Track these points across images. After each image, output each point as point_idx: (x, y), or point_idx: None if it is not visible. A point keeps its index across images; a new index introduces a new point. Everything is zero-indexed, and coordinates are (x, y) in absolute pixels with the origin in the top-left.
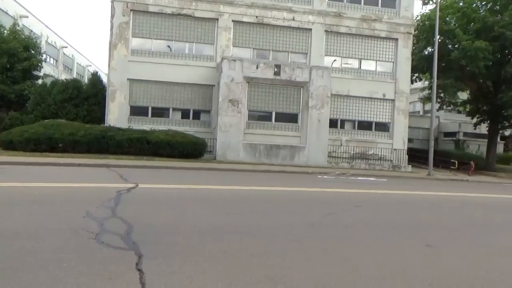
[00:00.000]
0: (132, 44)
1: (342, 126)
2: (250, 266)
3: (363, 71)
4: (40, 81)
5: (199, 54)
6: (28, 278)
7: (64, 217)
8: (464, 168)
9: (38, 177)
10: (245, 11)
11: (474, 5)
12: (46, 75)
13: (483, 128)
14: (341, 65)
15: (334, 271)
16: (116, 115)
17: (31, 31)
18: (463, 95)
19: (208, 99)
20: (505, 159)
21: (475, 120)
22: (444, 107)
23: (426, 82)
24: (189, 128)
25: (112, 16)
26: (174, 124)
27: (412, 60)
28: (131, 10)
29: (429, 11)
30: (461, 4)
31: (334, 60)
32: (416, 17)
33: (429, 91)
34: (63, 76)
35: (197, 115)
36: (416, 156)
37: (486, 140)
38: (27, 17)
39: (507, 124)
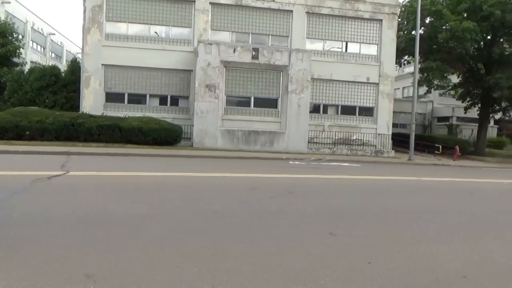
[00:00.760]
0: (106, 28)
1: (324, 111)
2: (71, 261)
3: (346, 54)
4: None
5: (176, 38)
6: None
7: None
8: (451, 153)
9: None
10: None
11: None
12: (33, 63)
13: (474, 112)
14: (323, 48)
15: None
16: (91, 102)
17: (14, 17)
18: (454, 78)
19: (186, 84)
20: (499, 144)
21: (464, 103)
22: (432, 90)
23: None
24: (167, 115)
25: None
26: (151, 111)
27: (401, 42)
28: None
29: None
30: None
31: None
32: None
33: (421, 75)
34: (51, 63)
35: (175, 101)
36: (406, 142)
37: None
38: (9, 2)
39: (497, 107)
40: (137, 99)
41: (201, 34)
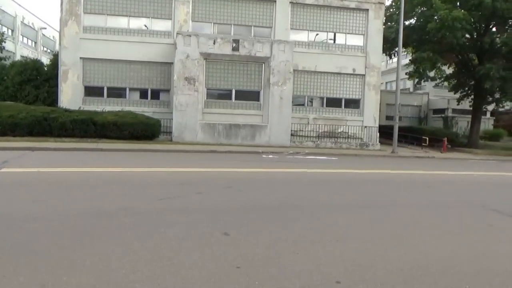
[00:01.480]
0: (84, 20)
1: (309, 104)
2: None
3: (331, 45)
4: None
5: (156, 30)
6: None
7: None
8: (440, 145)
9: None
10: None
11: None
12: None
13: (467, 104)
14: (308, 39)
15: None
16: (69, 96)
17: (3, 11)
18: (448, 70)
19: (167, 77)
20: (495, 136)
21: (458, 95)
22: (426, 82)
23: (409, 56)
24: (147, 109)
25: None
26: (131, 105)
27: (391, 33)
28: None
29: None
30: None
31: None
32: None
33: (415, 66)
34: (44, 59)
35: (156, 94)
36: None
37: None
38: None
39: (490, 98)
40: (117, 92)
41: (182, 26)
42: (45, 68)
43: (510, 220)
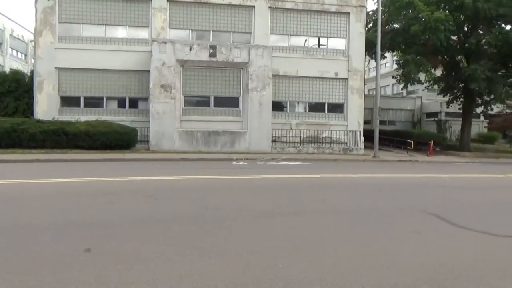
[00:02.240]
0: (59, 30)
1: (292, 109)
2: None
3: (312, 49)
4: None
5: (134, 38)
6: None
7: None
8: (427, 148)
9: None
10: None
11: None
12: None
13: (456, 107)
14: (288, 43)
15: None
16: (45, 107)
17: None
18: (438, 72)
19: (145, 86)
20: (490, 138)
21: (447, 98)
22: (409, 85)
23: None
24: (126, 118)
25: (36, 0)
26: (109, 114)
27: (376, 36)
28: None
29: None
30: None
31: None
32: None
33: (403, 70)
34: None
35: (134, 103)
36: (388, 140)
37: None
38: None
39: (479, 101)
40: (94, 102)
41: (159, 33)
42: (26, 80)
43: (444, 226)
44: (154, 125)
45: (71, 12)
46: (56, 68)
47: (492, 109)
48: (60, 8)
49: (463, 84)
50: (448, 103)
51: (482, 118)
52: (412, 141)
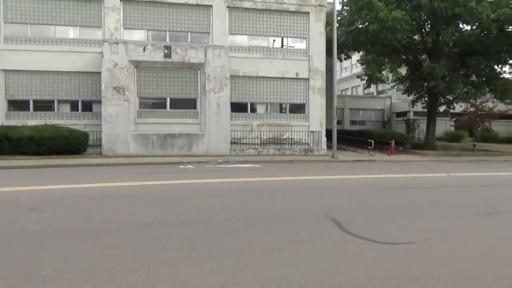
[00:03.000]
0: (4, 30)
1: (253, 110)
2: None
3: (273, 49)
4: None
5: (86, 39)
6: None
7: None
8: (389, 148)
9: None
10: None
11: None
12: None
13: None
14: (248, 43)
15: None
16: None
17: None
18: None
19: (99, 88)
20: (457, 137)
21: (412, 97)
22: (379, 86)
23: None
24: (79, 121)
25: None
26: (61, 118)
27: (341, 36)
28: None
29: None
30: None
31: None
32: None
33: (365, 69)
34: None
35: (88, 106)
36: (354, 140)
37: (439, 118)
38: None
39: (442, 100)
40: (45, 105)
41: (112, 34)
42: None
43: (333, 233)
44: (106, 128)
45: (17, 11)
46: (2, 70)
47: (454, 108)
48: (5, 7)
49: (426, 83)
50: (413, 102)
51: (449, 117)
52: (373, 141)
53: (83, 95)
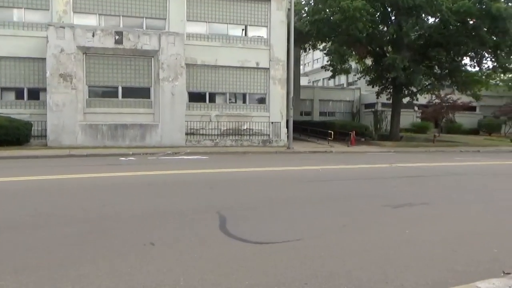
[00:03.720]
0: None
1: (211, 100)
2: None
3: (233, 38)
4: None
5: (32, 22)
6: None
7: None
8: (349, 139)
9: None
10: None
11: None
12: None
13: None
14: (207, 31)
15: None
16: None
17: None
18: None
19: (45, 75)
20: (422, 128)
21: (377, 88)
22: (337, 75)
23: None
24: (24, 110)
25: None
26: (4, 106)
27: (305, 26)
28: None
29: None
30: None
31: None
32: None
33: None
34: None
35: (34, 94)
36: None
37: (405, 109)
38: None
39: (406, 91)
40: None
41: (61, 18)
42: None
43: (208, 233)
44: (52, 118)
45: None
46: None
47: (417, 99)
48: None
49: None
50: (378, 94)
51: (417, 108)
52: (332, 132)
53: (29, 83)
